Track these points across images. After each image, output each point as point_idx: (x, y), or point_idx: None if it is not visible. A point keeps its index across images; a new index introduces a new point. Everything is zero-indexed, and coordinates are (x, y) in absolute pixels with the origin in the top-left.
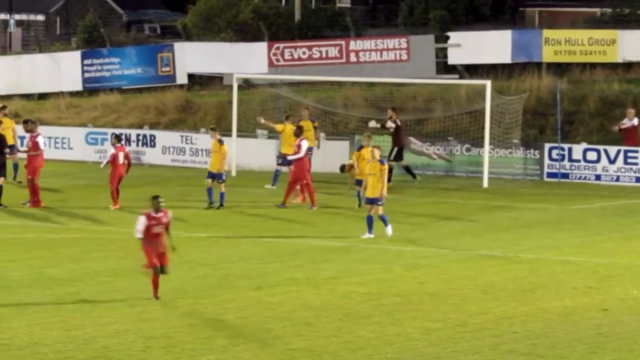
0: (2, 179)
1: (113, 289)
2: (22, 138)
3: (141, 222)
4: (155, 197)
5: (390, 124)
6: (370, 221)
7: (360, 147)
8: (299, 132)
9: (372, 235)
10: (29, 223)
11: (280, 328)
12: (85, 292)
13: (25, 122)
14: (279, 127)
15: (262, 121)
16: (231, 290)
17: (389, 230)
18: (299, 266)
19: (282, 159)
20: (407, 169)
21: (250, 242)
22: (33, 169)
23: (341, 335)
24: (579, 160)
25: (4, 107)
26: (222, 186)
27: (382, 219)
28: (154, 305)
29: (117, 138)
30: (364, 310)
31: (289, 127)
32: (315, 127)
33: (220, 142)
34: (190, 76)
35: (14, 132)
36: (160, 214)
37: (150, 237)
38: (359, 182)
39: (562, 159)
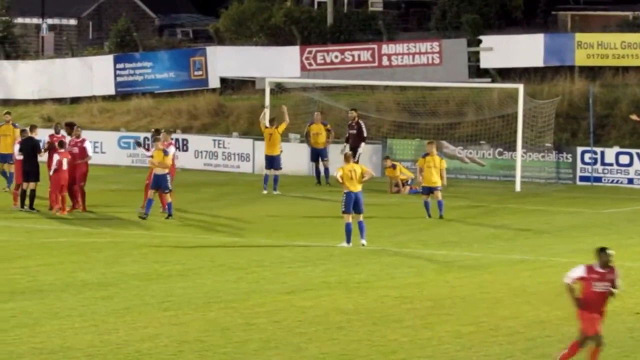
0: (34, 183)
1: (145, 293)
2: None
3: (577, 271)
4: (603, 250)
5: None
6: (348, 229)
7: (426, 155)
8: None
9: (349, 245)
10: (61, 227)
11: (312, 332)
12: (117, 296)
13: (70, 125)
14: (262, 125)
15: (265, 110)
16: (263, 294)
17: (344, 244)
18: (331, 270)
19: (268, 162)
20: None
21: (282, 246)
22: (82, 174)
23: (373, 339)
24: (611, 164)
25: (7, 113)
26: (169, 196)
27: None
28: (187, 309)
29: (61, 144)
30: (396, 314)
31: (273, 131)
32: (328, 130)
33: (165, 152)
34: (223, 80)
35: (15, 140)
36: (606, 270)
37: (588, 296)
38: (426, 190)
39: (595, 163)
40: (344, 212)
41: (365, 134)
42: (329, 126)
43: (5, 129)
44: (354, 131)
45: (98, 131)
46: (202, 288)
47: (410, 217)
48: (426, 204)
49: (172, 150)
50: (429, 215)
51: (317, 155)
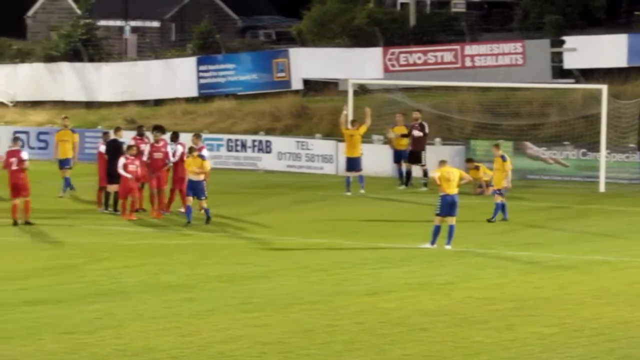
0: (116, 186)
1: (227, 294)
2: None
3: None
4: None
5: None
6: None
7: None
8: (174, 138)
9: (433, 246)
10: (144, 229)
11: (396, 333)
12: (200, 298)
13: (159, 128)
14: (343, 127)
15: (344, 112)
16: (346, 295)
17: (427, 245)
18: (414, 271)
19: (349, 164)
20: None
21: (365, 248)
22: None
23: (457, 340)
24: None
25: (66, 118)
26: (204, 203)
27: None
28: (269, 311)
29: (128, 148)
30: (480, 315)
31: (354, 132)
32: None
33: (202, 157)
34: (305, 82)
35: (74, 145)
36: None
37: None
38: (497, 192)
39: None
40: (437, 215)
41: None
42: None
43: (63, 134)
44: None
45: (181, 133)
46: (284, 289)
47: None
48: (498, 207)
49: (206, 154)
50: (504, 218)
51: (400, 156)
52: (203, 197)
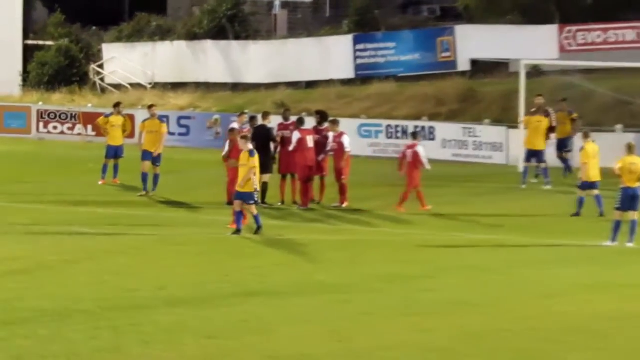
0: (268, 175)
1: (387, 296)
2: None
3: None
4: None
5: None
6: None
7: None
8: (300, 123)
9: (613, 243)
10: (294, 224)
11: (573, 340)
12: (357, 299)
13: (333, 121)
14: (525, 119)
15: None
16: (518, 298)
17: (608, 242)
18: (592, 272)
19: (529, 155)
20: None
21: (538, 245)
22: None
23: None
24: None
25: (152, 106)
26: (253, 208)
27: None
28: (433, 314)
29: (300, 121)
30: None
31: (542, 119)
32: (573, 120)
33: (251, 153)
34: (473, 63)
35: (162, 136)
36: None
37: None
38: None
39: None
40: (617, 209)
41: (554, 124)
42: (575, 115)
43: (150, 124)
44: None
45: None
46: (449, 291)
47: None
48: (580, 201)
49: (347, 140)
50: (578, 214)
51: (563, 146)
52: (251, 202)
